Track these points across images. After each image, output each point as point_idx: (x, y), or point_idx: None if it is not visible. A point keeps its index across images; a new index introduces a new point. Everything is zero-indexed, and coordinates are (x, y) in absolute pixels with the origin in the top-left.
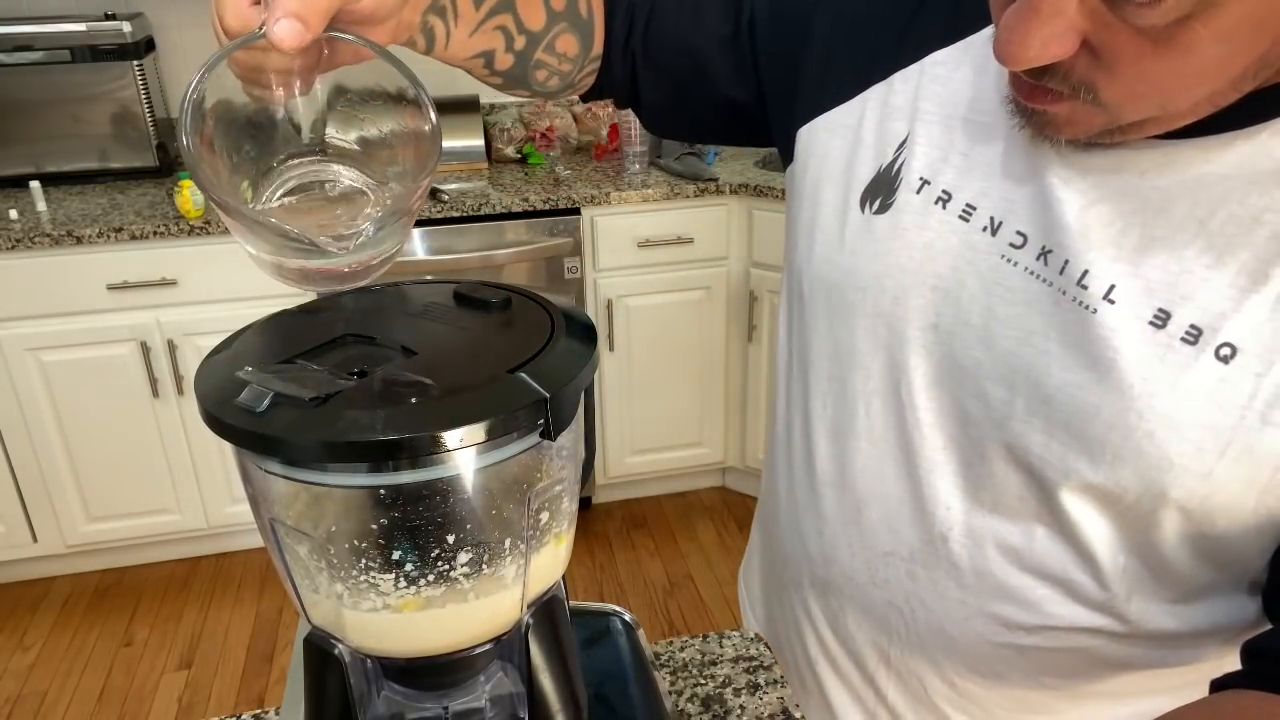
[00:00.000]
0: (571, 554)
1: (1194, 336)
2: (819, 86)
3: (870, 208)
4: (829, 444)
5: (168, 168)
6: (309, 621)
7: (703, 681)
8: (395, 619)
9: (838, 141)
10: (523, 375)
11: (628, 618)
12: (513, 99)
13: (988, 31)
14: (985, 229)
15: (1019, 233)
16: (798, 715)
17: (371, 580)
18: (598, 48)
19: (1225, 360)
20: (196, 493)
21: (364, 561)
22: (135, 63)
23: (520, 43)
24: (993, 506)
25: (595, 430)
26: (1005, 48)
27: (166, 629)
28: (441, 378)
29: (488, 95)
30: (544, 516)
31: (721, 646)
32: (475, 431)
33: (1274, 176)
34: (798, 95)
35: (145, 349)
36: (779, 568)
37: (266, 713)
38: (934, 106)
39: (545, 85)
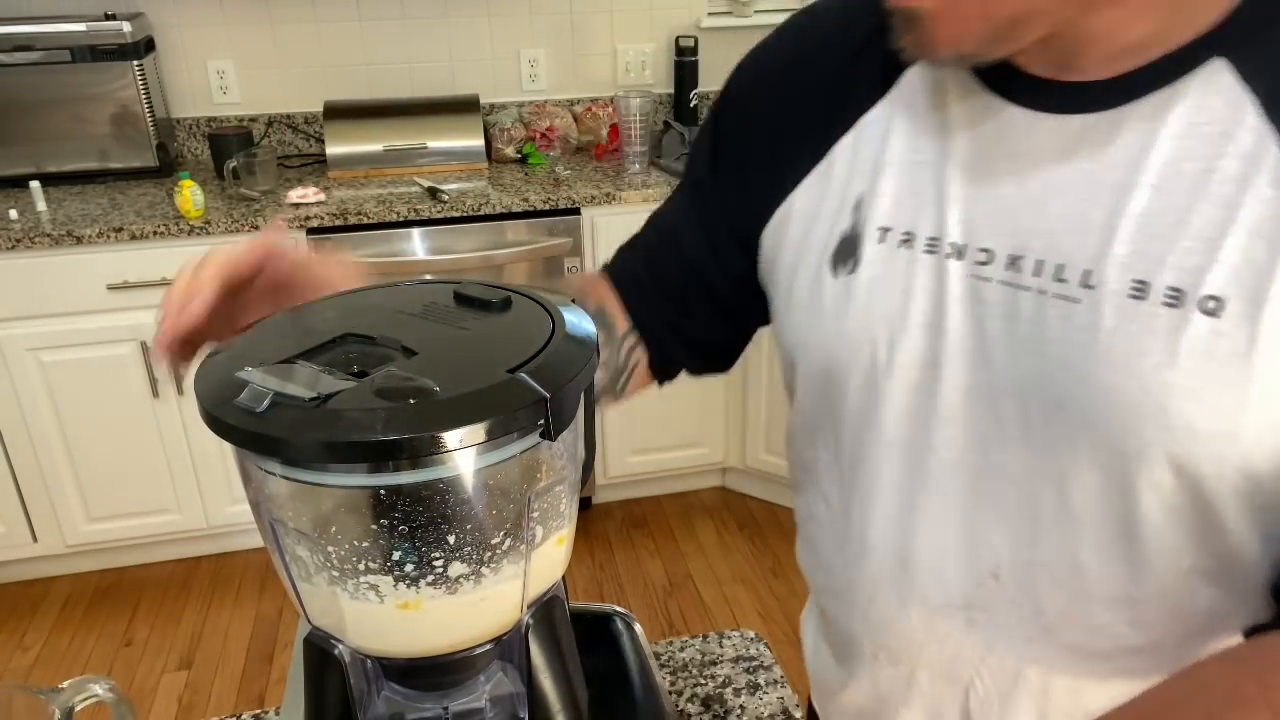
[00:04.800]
0: (571, 554)
1: (1175, 298)
2: (767, 190)
3: (844, 270)
4: (861, 508)
5: (168, 168)
6: (309, 621)
7: (703, 681)
8: (395, 619)
9: (794, 226)
10: (523, 375)
11: (628, 618)
12: (512, 98)
13: (910, 74)
14: (950, 255)
15: (982, 249)
16: (798, 715)
17: (371, 580)
18: (622, 325)
19: (1213, 313)
20: (196, 493)
21: (364, 562)
22: (135, 63)
23: None
24: (1034, 533)
25: (595, 430)
26: None
27: (166, 629)
28: (441, 378)
29: (487, 95)
30: (544, 516)
31: (721, 646)
32: (475, 431)
33: (1211, 130)
34: (756, 208)
35: (145, 349)
36: (849, 643)
37: (266, 713)
38: (875, 160)
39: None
